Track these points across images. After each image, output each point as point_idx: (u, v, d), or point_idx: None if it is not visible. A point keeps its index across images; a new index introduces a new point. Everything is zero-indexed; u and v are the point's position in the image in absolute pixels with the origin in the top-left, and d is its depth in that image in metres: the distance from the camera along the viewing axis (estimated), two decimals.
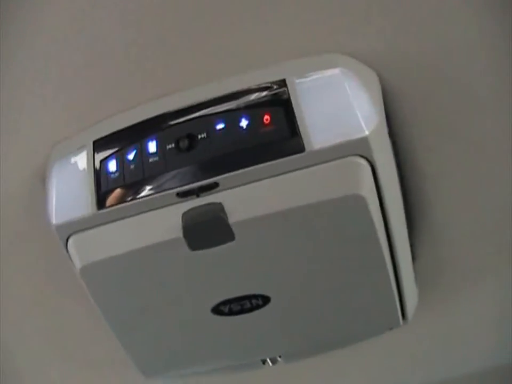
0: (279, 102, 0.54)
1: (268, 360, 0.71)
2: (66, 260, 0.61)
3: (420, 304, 0.68)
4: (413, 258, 0.67)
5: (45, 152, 0.61)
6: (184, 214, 0.55)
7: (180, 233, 0.55)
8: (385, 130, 0.55)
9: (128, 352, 0.67)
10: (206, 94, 0.56)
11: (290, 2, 0.53)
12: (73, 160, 0.59)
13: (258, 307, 0.62)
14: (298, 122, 0.53)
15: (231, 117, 0.54)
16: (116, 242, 0.58)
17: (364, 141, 0.52)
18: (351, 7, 0.52)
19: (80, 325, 0.73)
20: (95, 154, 0.58)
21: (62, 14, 0.54)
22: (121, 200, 0.57)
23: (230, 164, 0.54)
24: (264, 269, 0.60)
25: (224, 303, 0.62)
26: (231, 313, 0.63)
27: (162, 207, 0.56)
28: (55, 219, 0.59)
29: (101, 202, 0.57)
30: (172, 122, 0.56)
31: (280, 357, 0.72)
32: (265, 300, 0.62)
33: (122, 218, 0.57)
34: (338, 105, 0.53)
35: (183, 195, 0.56)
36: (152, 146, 0.56)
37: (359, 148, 0.53)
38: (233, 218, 0.55)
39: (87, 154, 0.58)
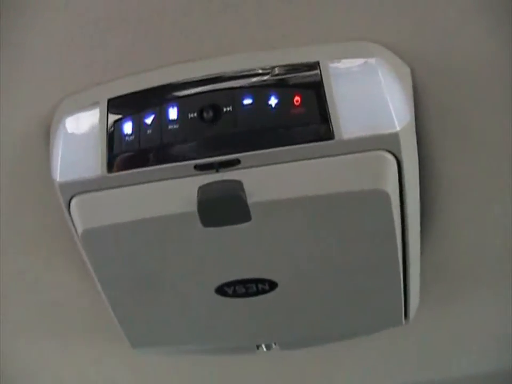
0: (311, 85, 0.52)
1: (263, 345, 0.71)
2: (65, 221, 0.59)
3: (421, 305, 0.69)
4: None
5: (53, 103, 0.58)
6: (200, 188, 0.53)
7: (194, 207, 0.53)
8: (414, 128, 0.55)
9: (119, 322, 0.65)
10: (235, 65, 0.54)
11: None
12: (84, 116, 0.56)
13: (263, 292, 0.62)
14: (330, 109, 0.51)
15: (260, 93, 0.53)
16: (124, 209, 0.56)
17: (395, 137, 0.52)
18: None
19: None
20: (109, 113, 0.55)
21: None
22: (134, 165, 0.55)
23: (254, 141, 0.53)
24: (276, 254, 0.59)
25: (229, 284, 0.61)
26: (235, 295, 0.62)
27: (177, 177, 0.55)
28: (59, 176, 0.56)
29: (111, 164, 0.55)
30: (196, 91, 0.54)
31: (275, 344, 0.71)
32: (272, 285, 0.61)
33: (133, 184, 0.55)
34: (371, 96, 0.52)
35: (202, 168, 0.54)
36: (172, 113, 0.54)
37: (388, 143, 0.52)
38: (252, 198, 0.53)
39: (101, 112, 0.55)
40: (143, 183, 0.55)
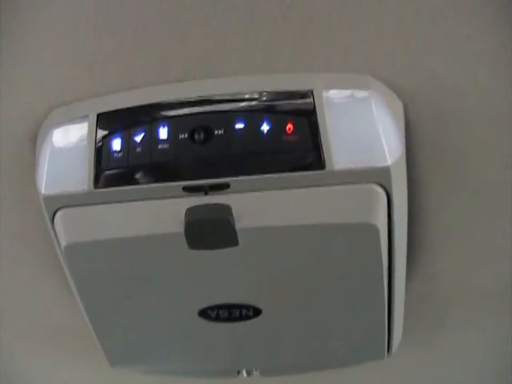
0: (305, 113, 0.52)
1: (244, 371, 0.70)
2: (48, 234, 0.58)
3: (403, 339, 0.69)
4: None
5: (41, 113, 0.57)
6: (188, 210, 0.53)
7: (180, 229, 0.53)
8: (404, 162, 0.55)
9: (98, 339, 0.64)
10: (229, 87, 0.54)
11: (327, 20, 0.51)
12: (72, 129, 0.56)
13: (247, 318, 0.61)
14: (322, 138, 0.51)
15: (252, 118, 0.52)
16: (109, 226, 0.55)
17: (386, 171, 0.52)
18: (387, 34, 0.51)
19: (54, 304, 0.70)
20: (98, 128, 0.55)
21: None
22: (121, 182, 0.54)
23: (244, 166, 0.52)
24: (261, 281, 0.59)
25: (213, 308, 0.61)
26: (218, 319, 0.62)
27: (165, 198, 0.54)
28: (44, 189, 0.55)
29: (98, 180, 0.54)
30: (189, 111, 0.53)
31: (256, 370, 0.71)
32: (256, 312, 0.61)
33: (120, 201, 0.55)
34: (364, 128, 0.52)
35: (190, 190, 0.53)
36: (163, 132, 0.53)
37: (379, 177, 0.52)
38: (240, 223, 0.53)
39: (89, 126, 0.55)
40: (130, 201, 0.55)
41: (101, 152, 0.54)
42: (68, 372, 0.82)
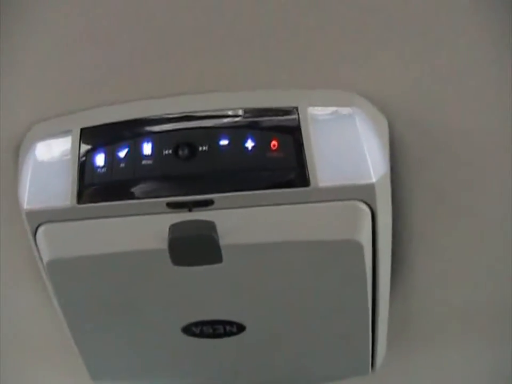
0: (289, 130, 0.52)
1: None
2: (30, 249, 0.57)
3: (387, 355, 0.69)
4: None
5: (25, 127, 0.57)
6: (172, 226, 0.53)
7: (164, 245, 0.52)
8: (389, 179, 0.55)
9: (81, 354, 0.64)
10: (214, 104, 0.53)
11: (312, 37, 0.51)
12: (55, 144, 0.55)
13: (231, 334, 0.61)
14: (306, 155, 0.51)
15: (237, 134, 0.52)
16: (92, 241, 0.55)
17: (370, 188, 0.52)
18: (372, 51, 0.51)
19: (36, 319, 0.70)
20: (81, 142, 0.54)
21: None
22: (105, 198, 0.54)
23: (228, 183, 0.52)
24: (245, 297, 0.58)
25: (197, 324, 0.60)
26: (202, 335, 0.61)
27: (149, 214, 0.54)
28: (26, 204, 0.55)
29: (81, 195, 0.54)
30: (173, 127, 0.53)
31: None
32: (240, 328, 0.61)
33: (103, 217, 0.54)
34: (348, 145, 0.52)
35: (175, 206, 0.53)
36: (147, 148, 0.53)
37: (363, 194, 0.52)
38: (224, 240, 0.53)
39: (73, 140, 0.54)
40: (113, 216, 0.54)
41: (84, 167, 0.54)
42: None
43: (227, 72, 0.53)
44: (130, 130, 0.54)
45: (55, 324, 0.64)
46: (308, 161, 0.51)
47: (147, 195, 0.53)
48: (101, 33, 0.52)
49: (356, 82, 0.53)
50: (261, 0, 0.49)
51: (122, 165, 0.53)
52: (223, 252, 0.53)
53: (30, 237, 0.56)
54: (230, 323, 0.61)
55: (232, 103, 0.53)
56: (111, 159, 0.53)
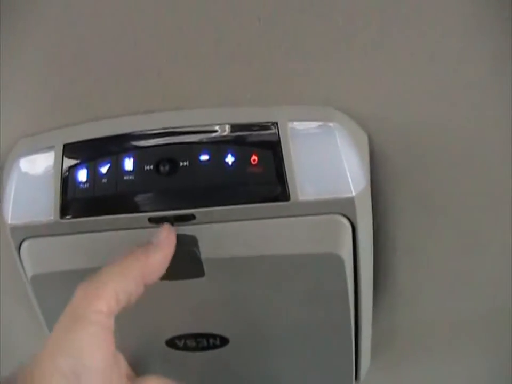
0: (269, 145, 0.52)
1: None
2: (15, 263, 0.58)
3: (371, 368, 0.69)
4: None
5: (8, 143, 0.57)
6: None
7: None
8: (369, 193, 0.55)
9: None
10: (194, 119, 0.54)
11: (291, 52, 0.51)
12: (39, 159, 0.56)
13: (214, 347, 0.61)
14: (286, 170, 0.51)
15: (217, 150, 0.53)
16: (75, 256, 0.55)
17: (350, 202, 0.52)
18: (351, 66, 0.52)
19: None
20: (64, 158, 0.55)
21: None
22: (88, 213, 0.54)
23: (209, 198, 0.52)
24: (228, 310, 0.59)
25: (180, 337, 0.61)
26: (186, 348, 0.62)
27: (131, 228, 0.54)
28: (10, 219, 0.55)
29: (64, 210, 0.54)
30: (154, 143, 0.54)
31: None
32: (224, 341, 0.61)
33: (86, 232, 0.55)
34: (328, 159, 0.52)
35: (156, 221, 0.54)
36: (128, 164, 0.53)
37: (344, 208, 0.52)
38: (206, 254, 0.53)
39: (56, 156, 0.55)
40: (96, 231, 0.55)
41: (67, 182, 0.54)
42: None
43: (207, 89, 0.54)
44: (112, 146, 0.54)
45: (40, 337, 0.65)
46: (288, 176, 0.51)
47: (129, 210, 0.53)
48: (85, 50, 0.52)
49: (335, 97, 0.53)
50: (241, 19, 0.50)
51: (104, 180, 0.54)
52: (205, 265, 0.54)
53: (14, 252, 0.57)
54: (213, 336, 0.61)
55: (213, 119, 0.54)
56: (93, 174, 0.54)
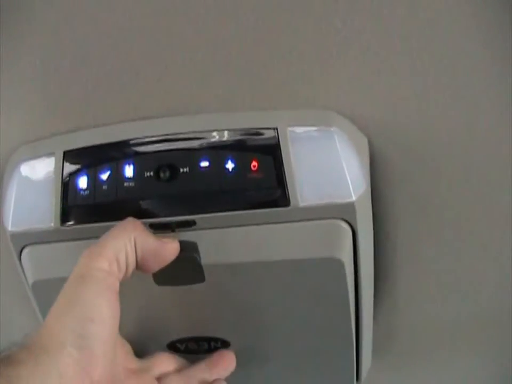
0: (269, 150, 0.52)
1: None
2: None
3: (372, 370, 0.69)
4: None
5: (8, 150, 0.57)
6: None
7: None
8: (369, 197, 0.55)
9: None
10: (194, 125, 0.54)
11: (290, 56, 0.51)
12: (39, 166, 0.56)
13: (215, 350, 0.61)
14: (287, 175, 0.52)
15: (217, 156, 0.53)
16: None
17: (350, 206, 0.52)
18: (351, 70, 0.52)
19: None
20: (64, 165, 0.55)
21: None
22: (88, 219, 0.54)
23: (210, 204, 0.53)
24: (229, 314, 0.59)
25: (182, 341, 0.61)
26: (187, 351, 0.62)
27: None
28: (10, 226, 0.55)
29: (65, 217, 0.54)
30: (154, 149, 0.54)
31: None
32: (225, 344, 0.61)
33: (86, 238, 0.55)
34: (328, 164, 0.52)
35: (157, 227, 0.54)
36: (129, 170, 0.54)
37: (344, 212, 0.52)
38: (206, 260, 0.53)
39: (56, 163, 0.55)
40: (97, 237, 0.55)
41: (67, 189, 0.54)
42: None
43: (207, 94, 0.54)
44: (112, 152, 0.54)
45: None
46: (288, 181, 0.52)
47: (129, 216, 0.53)
48: (84, 57, 0.53)
49: (335, 101, 0.53)
50: (240, 24, 0.50)
51: (104, 187, 0.54)
52: (205, 271, 0.54)
53: (15, 258, 0.57)
54: (215, 339, 0.61)
55: (212, 124, 0.54)
56: (94, 181, 0.54)
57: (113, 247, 0.50)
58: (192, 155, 0.53)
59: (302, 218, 0.53)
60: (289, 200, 0.52)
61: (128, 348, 0.57)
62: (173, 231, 0.54)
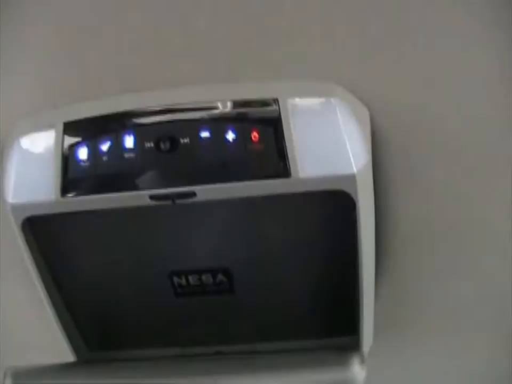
0: (270, 121, 0.52)
1: None
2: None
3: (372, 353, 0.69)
4: None
5: (8, 122, 0.57)
6: None
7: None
8: (371, 169, 0.55)
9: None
10: (194, 96, 0.54)
11: (293, 28, 0.51)
12: (39, 138, 0.56)
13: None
14: (287, 146, 0.51)
15: (217, 127, 0.52)
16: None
17: (351, 178, 0.52)
18: (353, 43, 0.52)
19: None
20: (64, 137, 0.54)
21: None
22: (89, 191, 0.54)
23: (210, 175, 0.53)
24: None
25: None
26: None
27: (132, 206, 0.54)
28: (11, 198, 0.55)
29: (65, 189, 0.54)
30: (154, 120, 0.54)
31: None
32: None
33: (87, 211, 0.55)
34: (329, 136, 0.52)
35: (157, 198, 0.54)
36: (129, 141, 0.53)
37: (345, 184, 0.52)
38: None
39: (56, 135, 0.55)
40: (98, 210, 0.55)
41: (67, 161, 0.54)
42: None
43: (207, 65, 0.54)
44: (112, 124, 0.54)
45: (41, 316, 0.65)
46: (288, 152, 0.51)
47: (130, 188, 0.53)
48: (83, 28, 0.52)
49: (337, 75, 0.53)
50: None
51: (105, 158, 0.54)
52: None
53: (16, 230, 0.57)
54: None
55: (213, 95, 0.53)
56: (94, 152, 0.54)
57: None
58: (192, 126, 0.53)
59: (303, 190, 0.52)
60: (290, 171, 0.51)
61: None
62: (174, 202, 0.54)
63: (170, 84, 0.54)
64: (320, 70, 0.53)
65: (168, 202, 0.54)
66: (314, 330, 0.66)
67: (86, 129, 0.54)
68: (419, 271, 0.64)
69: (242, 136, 0.52)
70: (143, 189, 0.53)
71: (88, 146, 0.54)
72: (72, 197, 0.54)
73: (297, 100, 0.52)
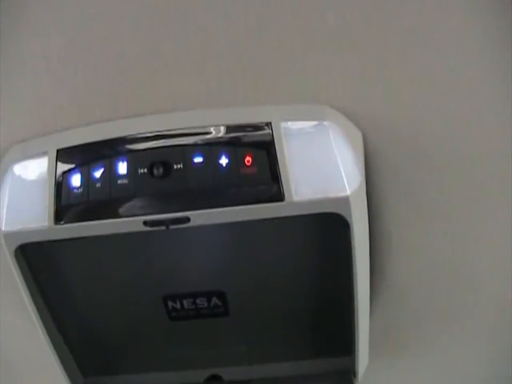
0: (263, 145, 0.52)
1: None
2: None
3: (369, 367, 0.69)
4: None
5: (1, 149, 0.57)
6: None
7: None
8: (364, 190, 0.55)
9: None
10: (187, 121, 0.54)
11: (283, 51, 0.52)
12: (32, 165, 0.55)
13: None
14: (281, 170, 0.51)
15: (211, 151, 0.52)
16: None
17: (345, 200, 0.52)
18: (344, 64, 0.52)
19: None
20: (58, 164, 0.54)
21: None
22: (82, 218, 0.54)
23: (204, 200, 0.52)
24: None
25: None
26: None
27: (126, 232, 0.54)
28: (4, 226, 0.55)
29: (59, 216, 0.54)
30: (147, 146, 0.54)
31: None
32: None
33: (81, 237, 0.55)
34: (322, 158, 0.52)
35: (151, 224, 0.53)
36: (122, 168, 0.53)
37: (338, 206, 0.52)
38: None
39: (49, 162, 0.55)
40: (91, 236, 0.55)
41: (61, 188, 0.54)
42: None
43: (199, 90, 0.54)
44: (105, 150, 0.54)
45: (36, 342, 0.65)
46: (282, 176, 0.51)
47: (124, 214, 0.53)
48: (75, 55, 0.53)
49: (328, 96, 0.53)
50: (230, 20, 0.50)
51: (98, 185, 0.53)
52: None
53: (9, 258, 0.57)
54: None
55: (205, 120, 0.53)
56: (87, 179, 0.54)
57: None
58: (185, 151, 0.53)
59: (297, 213, 0.53)
60: (283, 195, 0.51)
61: None
62: (167, 227, 0.54)
63: (163, 109, 0.54)
64: (312, 93, 0.53)
65: (162, 228, 0.54)
66: (310, 351, 0.66)
67: (79, 156, 0.54)
68: (415, 289, 0.65)
69: (235, 161, 0.52)
70: (137, 215, 0.53)
71: (81, 173, 0.54)
72: (65, 223, 0.54)
73: (290, 124, 0.52)
